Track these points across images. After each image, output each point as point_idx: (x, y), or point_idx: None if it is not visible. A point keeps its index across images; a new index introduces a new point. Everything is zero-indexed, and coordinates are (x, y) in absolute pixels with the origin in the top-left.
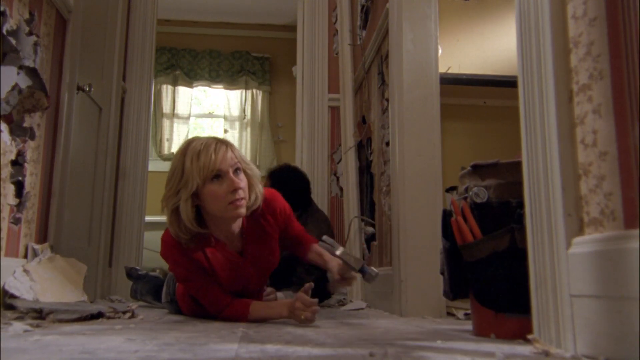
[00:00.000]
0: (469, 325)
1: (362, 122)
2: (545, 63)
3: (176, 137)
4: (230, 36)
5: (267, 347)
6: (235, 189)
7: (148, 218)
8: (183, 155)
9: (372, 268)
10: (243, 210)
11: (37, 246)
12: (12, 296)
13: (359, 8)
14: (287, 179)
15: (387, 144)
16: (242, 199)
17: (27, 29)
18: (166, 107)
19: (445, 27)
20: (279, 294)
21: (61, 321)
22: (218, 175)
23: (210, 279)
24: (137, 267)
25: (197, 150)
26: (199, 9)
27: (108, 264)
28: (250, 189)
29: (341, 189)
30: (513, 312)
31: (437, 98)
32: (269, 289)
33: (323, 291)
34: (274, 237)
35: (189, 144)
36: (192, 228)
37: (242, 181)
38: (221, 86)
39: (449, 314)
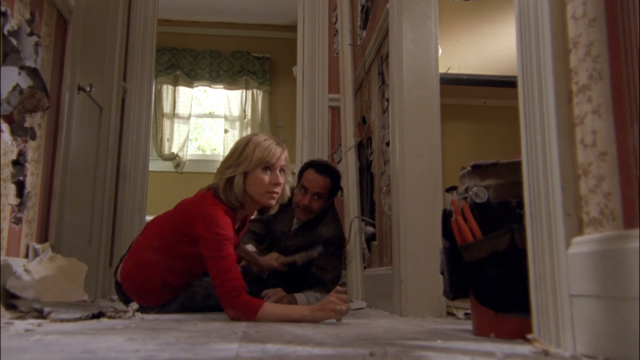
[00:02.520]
0: (469, 325)
1: (363, 122)
2: (545, 63)
3: (176, 137)
4: (230, 36)
5: (268, 347)
6: (276, 184)
7: (148, 218)
8: (247, 142)
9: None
10: (274, 202)
11: (38, 246)
12: (13, 296)
13: (359, 8)
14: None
15: (388, 144)
16: (277, 193)
17: (28, 29)
18: (167, 107)
19: (446, 28)
20: (300, 295)
21: (62, 321)
22: (267, 167)
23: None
24: None
25: (260, 141)
26: (199, 9)
27: (109, 264)
28: (283, 191)
29: (341, 189)
30: (513, 312)
31: (437, 98)
32: (273, 291)
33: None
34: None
35: (254, 135)
36: (239, 197)
37: (282, 180)
38: (221, 86)
39: (449, 313)
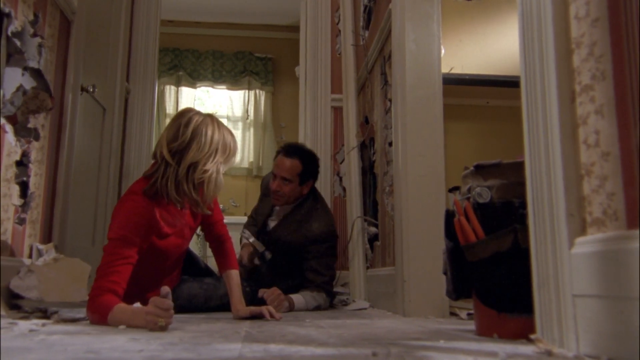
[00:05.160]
0: (471, 325)
1: (365, 122)
2: (548, 63)
3: None
4: (233, 37)
5: (271, 347)
6: None
7: None
8: (224, 134)
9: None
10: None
11: (41, 246)
12: (17, 296)
13: (362, 8)
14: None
15: (390, 144)
16: None
17: (31, 30)
18: (169, 108)
19: (448, 28)
20: (298, 296)
21: (66, 321)
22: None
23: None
24: None
25: (230, 142)
26: (202, 10)
27: None
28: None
29: (344, 189)
30: (516, 312)
31: (440, 98)
32: (270, 291)
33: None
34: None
35: (206, 123)
36: (192, 194)
37: None
38: (224, 87)
39: (452, 314)
